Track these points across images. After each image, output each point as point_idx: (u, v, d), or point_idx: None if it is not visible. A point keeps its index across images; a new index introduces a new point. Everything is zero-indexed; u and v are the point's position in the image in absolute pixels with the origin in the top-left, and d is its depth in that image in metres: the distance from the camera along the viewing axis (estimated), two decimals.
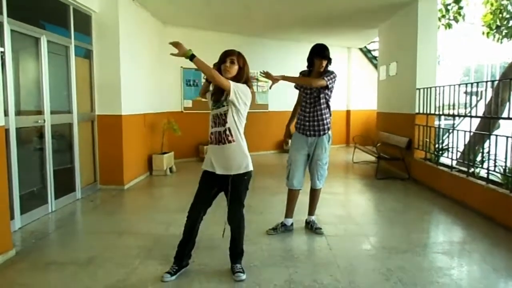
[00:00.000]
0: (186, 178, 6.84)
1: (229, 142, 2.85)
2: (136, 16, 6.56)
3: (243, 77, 2.87)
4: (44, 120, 4.59)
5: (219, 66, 2.84)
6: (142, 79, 6.82)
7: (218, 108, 2.85)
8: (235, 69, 2.83)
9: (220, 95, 2.85)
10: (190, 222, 2.94)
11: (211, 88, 3.00)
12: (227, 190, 2.90)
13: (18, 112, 4.18)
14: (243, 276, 2.93)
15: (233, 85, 2.74)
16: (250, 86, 2.90)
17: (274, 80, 3.69)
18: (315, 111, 3.79)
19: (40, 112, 4.56)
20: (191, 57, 2.64)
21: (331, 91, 3.81)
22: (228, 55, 2.84)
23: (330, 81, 3.73)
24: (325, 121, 3.82)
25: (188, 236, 2.96)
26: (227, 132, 2.84)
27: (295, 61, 8.32)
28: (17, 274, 3.06)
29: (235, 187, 2.90)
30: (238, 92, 2.77)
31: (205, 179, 2.95)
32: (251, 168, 2.95)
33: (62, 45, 5.05)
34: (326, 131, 3.84)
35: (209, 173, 2.92)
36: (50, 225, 4.31)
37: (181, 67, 8.59)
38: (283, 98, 8.23)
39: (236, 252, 3.06)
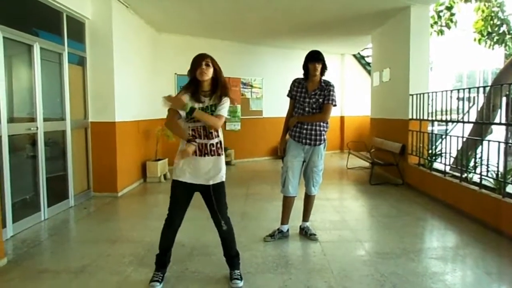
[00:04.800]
0: None
1: (216, 155, 2.85)
2: (130, 23, 6.57)
3: (221, 79, 2.83)
4: (37, 128, 4.56)
5: (194, 71, 2.76)
6: (136, 86, 6.81)
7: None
8: (211, 71, 2.78)
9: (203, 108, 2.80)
10: (172, 231, 2.95)
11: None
12: (208, 195, 2.88)
13: (11, 119, 4.16)
14: (240, 284, 2.92)
15: (224, 113, 2.78)
16: (228, 96, 2.86)
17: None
18: (313, 123, 3.79)
19: (33, 119, 4.54)
20: (191, 111, 2.68)
21: (335, 105, 3.84)
22: (203, 58, 2.77)
23: (335, 100, 3.79)
24: (322, 132, 3.81)
25: (171, 244, 2.98)
26: (219, 145, 2.86)
27: (290, 68, 8.40)
28: (8, 283, 3.02)
29: (218, 190, 2.88)
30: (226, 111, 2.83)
31: (182, 188, 2.87)
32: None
33: (55, 52, 5.04)
34: (322, 142, 3.84)
35: (185, 184, 2.84)
36: (42, 233, 4.27)
37: (175, 73, 8.60)
38: (278, 105, 8.26)
39: (231, 255, 3.03)
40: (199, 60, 2.76)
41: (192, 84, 2.82)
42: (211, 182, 2.83)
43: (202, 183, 2.83)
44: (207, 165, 2.81)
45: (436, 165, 6.05)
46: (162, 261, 2.97)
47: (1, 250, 3.36)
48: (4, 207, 3.85)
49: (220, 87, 2.83)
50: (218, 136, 2.85)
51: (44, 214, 4.69)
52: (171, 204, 2.90)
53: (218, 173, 2.85)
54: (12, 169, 4.03)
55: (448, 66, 19.98)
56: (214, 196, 2.84)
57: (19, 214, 4.22)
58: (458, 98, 5.80)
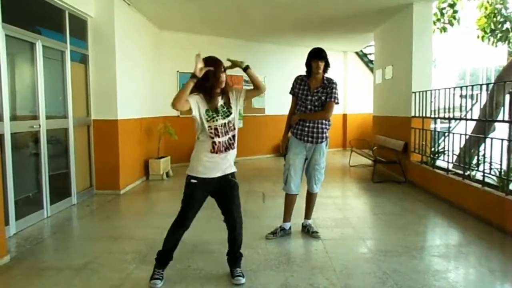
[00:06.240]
0: (182, 183, 6.73)
1: (234, 148, 2.92)
2: (132, 21, 6.56)
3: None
4: (40, 125, 4.57)
5: (213, 79, 2.72)
6: (138, 84, 6.81)
7: (226, 117, 2.85)
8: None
9: (219, 105, 2.85)
10: (183, 231, 2.94)
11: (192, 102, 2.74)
12: (224, 193, 2.92)
13: (13, 117, 4.16)
14: (243, 280, 2.92)
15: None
16: (232, 87, 3.02)
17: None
18: (316, 120, 3.77)
19: (35, 117, 4.55)
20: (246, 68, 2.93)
21: (337, 103, 3.83)
22: (221, 64, 2.79)
23: (338, 98, 3.78)
24: (324, 130, 3.80)
25: (177, 243, 2.98)
26: (233, 140, 2.90)
27: (292, 66, 8.36)
28: (11, 280, 3.04)
29: (234, 188, 2.95)
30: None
31: (200, 188, 2.88)
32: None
33: (57, 50, 5.05)
34: (324, 139, 3.83)
35: (205, 181, 2.85)
36: (45, 231, 4.28)
37: (177, 71, 8.59)
38: (280, 102, 8.25)
39: (236, 256, 3.04)
40: (219, 66, 2.76)
41: (203, 89, 2.76)
42: (228, 171, 2.88)
43: (220, 175, 2.85)
44: (229, 159, 2.90)
45: (439, 162, 6.03)
46: (165, 259, 2.97)
47: (4, 248, 3.37)
48: (7, 205, 3.86)
49: (227, 85, 2.89)
50: (235, 128, 2.91)
51: (47, 211, 4.70)
52: (187, 205, 2.88)
53: (232, 164, 2.93)
54: (15, 166, 4.03)
55: (451, 63, 19.90)
56: (232, 191, 2.93)
57: (22, 212, 4.23)
58: (461, 96, 5.77)
